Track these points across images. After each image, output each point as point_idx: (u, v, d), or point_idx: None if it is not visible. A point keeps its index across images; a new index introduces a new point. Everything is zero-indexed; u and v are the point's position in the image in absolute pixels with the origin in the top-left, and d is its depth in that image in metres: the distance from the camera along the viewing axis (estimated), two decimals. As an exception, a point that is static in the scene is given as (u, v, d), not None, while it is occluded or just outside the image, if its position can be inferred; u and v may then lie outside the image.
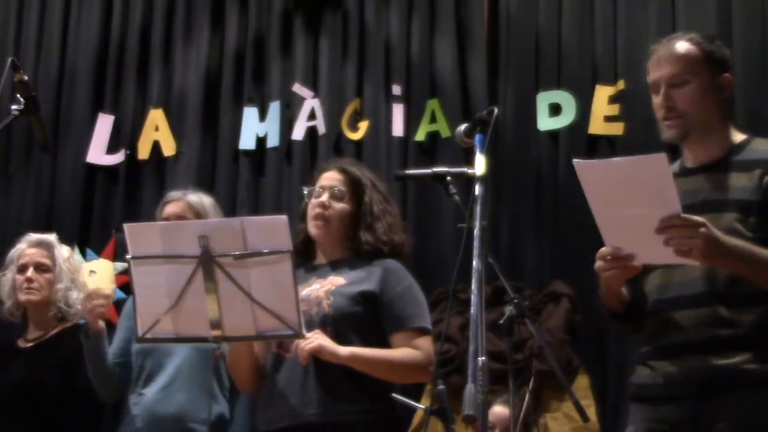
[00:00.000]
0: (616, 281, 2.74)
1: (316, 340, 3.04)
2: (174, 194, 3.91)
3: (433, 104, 5.42)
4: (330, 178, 3.35)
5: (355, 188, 3.32)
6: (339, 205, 3.29)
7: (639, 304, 2.86)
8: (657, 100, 2.83)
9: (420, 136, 5.42)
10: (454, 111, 5.34)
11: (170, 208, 3.84)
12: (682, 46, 2.83)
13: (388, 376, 3.16)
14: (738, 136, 2.86)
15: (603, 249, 2.67)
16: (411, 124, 5.44)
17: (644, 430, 2.79)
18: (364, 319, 3.17)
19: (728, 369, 2.67)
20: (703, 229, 2.52)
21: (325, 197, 3.30)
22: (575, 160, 2.57)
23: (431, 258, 5.12)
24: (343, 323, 3.14)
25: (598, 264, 2.69)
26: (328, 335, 3.11)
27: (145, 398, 3.69)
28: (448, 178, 3.01)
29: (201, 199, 3.88)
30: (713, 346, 2.69)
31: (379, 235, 3.27)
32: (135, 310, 3.00)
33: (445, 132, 5.33)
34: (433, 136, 5.41)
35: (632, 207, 2.52)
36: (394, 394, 3.26)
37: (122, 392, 3.82)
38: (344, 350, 3.08)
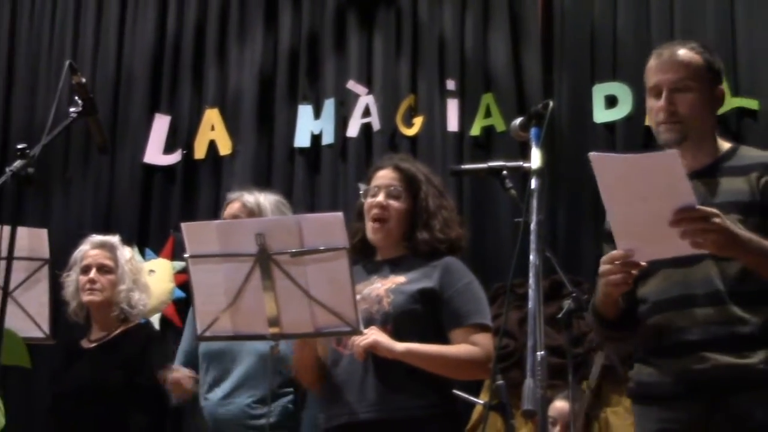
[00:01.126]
0: (619, 287, 2.71)
1: (372, 336, 3.04)
2: (231, 195, 3.94)
3: (487, 98, 5.40)
4: (385, 176, 3.34)
5: (410, 185, 3.30)
6: (396, 205, 3.28)
7: (631, 312, 2.83)
8: (656, 103, 2.86)
9: (475, 130, 5.40)
10: (508, 105, 5.32)
11: (227, 210, 3.88)
12: (686, 54, 2.86)
13: (446, 372, 3.14)
14: (725, 145, 2.90)
15: (614, 252, 2.64)
16: (466, 118, 5.42)
17: (655, 430, 2.76)
18: (423, 316, 3.16)
19: (743, 368, 2.65)
20: (717, 219, 2.53)
21: (381, 197, 3.29)
22: (591, 153, 2.55)
23: (488, 253, 5.10)
24: (403, 321, 3.13)
25: (605, 268, 2.67)
26: (388, 333, 3.10)
27: (210, 403, 3.72)
28: (504, 172, 3.00)
29: (257, 198, 3.89)
30: (726, 344, 2.67)
31: (435, 233, 3.25)
32: (194, 308, 3.02)
33: (500, 126, 5.31)
34: (488, 130, 5.39)
35: (646, 200, 2.52)
36: (454, 390, 3.25)
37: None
38: (400, 346, 3.08)
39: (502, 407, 3.31)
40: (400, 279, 3.21)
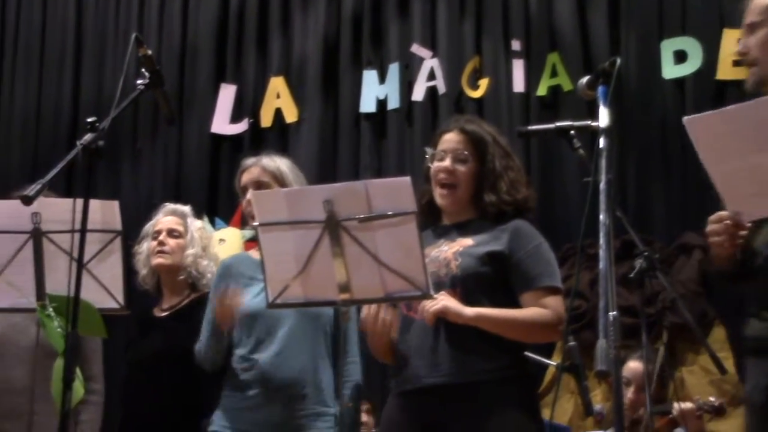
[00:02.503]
0: (725, 249, 2.65)
1: (441, 301, 3.04)
2: (248, 161, 3.91)
3: (553, 58, 5.35)
4: (451, 140, 3.31)
5: (477, 148, 3.28)
6: (463, 169, 3.26)
7: (750, 260, 2.77)
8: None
9: (541, 90, 5.35)
10: (575, 64, 5.26)
11: (246, 176, 3.85)
12: None
13: (516, 335, 3.13)
14: None
15: (722, 212, 2.59)
16: (532, 79, 5.38)
17: (766, 384, 2.72)
18: (492, 279, 3.14)
19: None
20: None
21: (448, 162, 3.27)
22: (685, 119, 2.50)
23: (557, 214, 5.07)
24: (471, 284, 3.12)
25: (712, 227, 2.62)
26: (456, 296, 3.10)
27: (259, 365, 3.70)
28: (572, 132, 2.96)
29: (276, 162, 3.86)
30: None
31: (501, 195, 3.23)
32: (264, 276, 3.04)
33: (566, 85, 5.25)
34: (555, 90, 5.34)
35: (752, 154, 2.44)
36: (526, 352, 3.24)
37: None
38: (470, 311, 3.07)
39: (575, 368, 3.30)
40: (468, 242, 3.20)
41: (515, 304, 3.14)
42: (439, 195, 3.27)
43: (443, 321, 3.08)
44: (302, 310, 3.56)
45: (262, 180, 3.78)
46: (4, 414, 3.75)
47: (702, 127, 2.49)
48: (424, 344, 3.13)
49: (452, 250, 3.18)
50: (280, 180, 3.77)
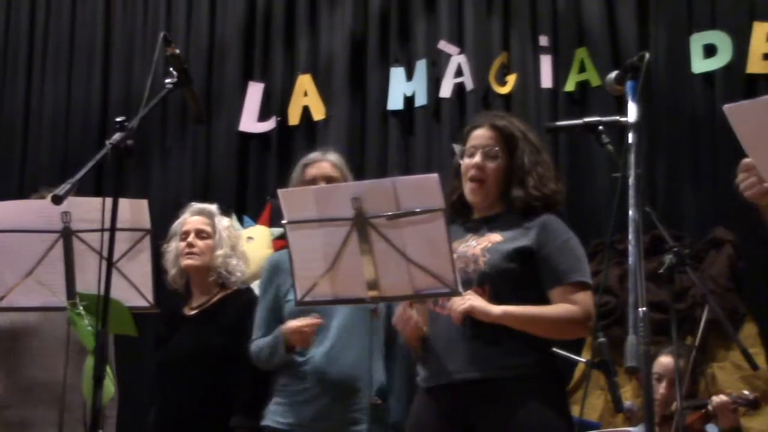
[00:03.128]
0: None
1: (468, 301, 3.04)
2: (314, 155, 3.94)
3: (581, 53, 5.32)
4: (482, 136, 3.31)
5: (507, 143, 3.28)
6: (493, 165, 3.26)
7: None
8: None
9: (569, 86, 5.33)
10: (603, 59, 5.23)
11: (314, 170, 3.87)
12: None
13: (544, 332, 3.12)
14: None
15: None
16: (559, 74, 5.35)
17: None
18: (521, 275, 3.14)
19: None
20: None
21: (478, 158, 3.27)
22: (725, 106, 2.47)
23: (586, 209, 5.05)
24: (500, 280, 3.12)
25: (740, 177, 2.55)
26: (485, 293, 3.10)
27: (314, 359, 3.73)
28: (600, 127, 2.95)
29: (339, 157, 3.92)
30: None
31: (529, 190, 3.22)
32: (293, 274, 3.04)
33: (595, 81, 5.23)
34: (583, 85, 5.31)
35: None
36: (554, 348, 3.23)
37: None
38: (497, 309, 3.07)
39: (605, 365, 3.28)
40: (496, 238, 3.19)
41: (544, 300, 3.14)
42: (469, 190, 3.27)
43: (470, 317, 3.07)
44: (354, 306, 3.58)
45: (332, 175, 3.82)
46: (40, 403, 3.78)
47: (740, 115, 2.45)
48: (451, 340, 3.13)
49: (480, 246, 3.18)
50: (344, 176, 3.83)
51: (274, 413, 3.75)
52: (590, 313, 3.13)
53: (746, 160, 2.47)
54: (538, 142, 3.33)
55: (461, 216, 3.35)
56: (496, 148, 3.27)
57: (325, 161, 3.88)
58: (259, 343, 3.82)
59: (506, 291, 3.12)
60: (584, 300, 3.13)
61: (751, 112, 2.46)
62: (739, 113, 2.44)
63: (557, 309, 3.11)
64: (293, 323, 3.65)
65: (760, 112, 2.45)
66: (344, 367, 3.68)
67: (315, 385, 3.70)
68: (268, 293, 3.87)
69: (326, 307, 3.65)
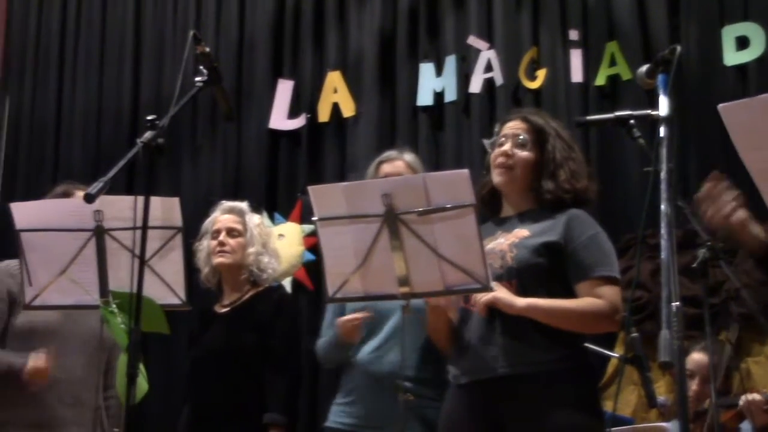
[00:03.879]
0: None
1: (492, 292, 3.04)
2: (390, 153, 3.96)
3: (612, 47, 5.30)
4: (513, 126, 3.32)
5: (538, 136, 3.28)
6: (522, 153, 3.26)
7: None
8: None
9: (600, 80, 5.31)
10: (634, 52, 5.20)
11: (389, 168, 3.88)
12: None
13: (569, 326, 3.10)
14: None
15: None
16: (590, 69, 5.33)
17: None
18: (548, 270, 3.12)
19: None
20: None
21: (508, 146, 3.27)
22: (720, 106, 2.45)
23: (617, 204, 5.02)
24: (527, 275, 3.11)
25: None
26: (513, 288, 3.09)
27: (360, 359, 3.75)
28: (632, 121, 2.93)
29: (414, 157, 3.94)
30: None
31: (560, 183, 3.21)
32: (324, 270, 3.05)
33: (625, 74, 5.20)
34: (614, 79, 5.29)
35: None
36: (586, 344, 3.22)
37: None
38: (521, 301, 3.06)
39: (638, 360, 3.27)
40: (524, 233, 3.19)
41: (572, 295, 3.12)
42: (497, 174, 3.26)
43: (499, 312, 3.07)
44: (411, 303, 3.57)
45: (406, 174, 3.82)
46: (65, 402, 3.80)
47: (735, 115, 2.44)
48: (481, 337, 3.13)
49: (508, 242, 3.17)
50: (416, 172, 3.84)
51: (333, 413, 3.81)
52: (617, 307, 3.11)
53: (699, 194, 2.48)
54: (570, 139, 3.32)
55: (491, 212, 3.34)
56: (527, 138, 3.27)
57: (400, 160, 3.91)
58: (320, 342, 3.86)
59: (534, 286, 3.11)
60: (611, 294, 3.11)
61: (745, 111, 2.44)
62: (733, 113, 2.41)
63: (583, 302, 3.10)
64: (344, 317, 3.67)
65: (754, 111, 2.43)
66: (388, 366, 3.69)
67: (364, 384, 3.72)
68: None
69: (383, 308, 3.67)
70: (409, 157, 3.93)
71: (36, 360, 3.73)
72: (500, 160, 3.26)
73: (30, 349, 3.80)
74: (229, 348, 4.04)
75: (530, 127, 3.29)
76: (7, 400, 3.80)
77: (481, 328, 3.13)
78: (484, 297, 3.05)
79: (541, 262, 3.12)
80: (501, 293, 3.06)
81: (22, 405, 3.79)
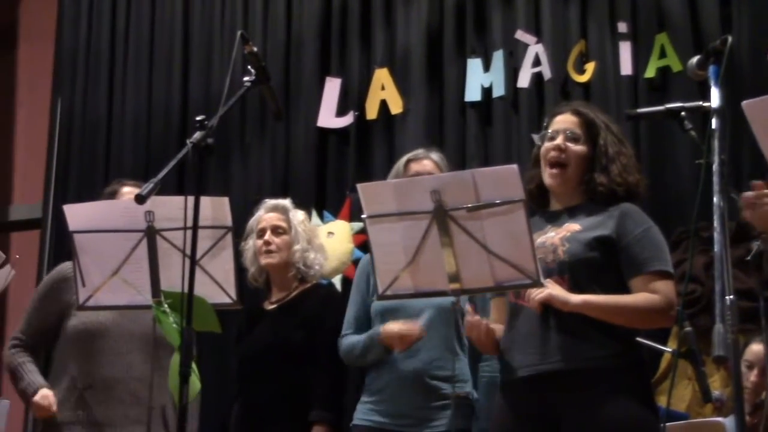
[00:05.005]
0: None
1: (546, 289, 3.02)
2: (419, 152, 3.97)
3: (661, 38, 5.24)
4: (564, 120, 3.29)
5: (589, 130, 3.26)
6: (575, 148, 3.24)
7: None
8: None
9: (650, 72, 5.25)
10: (684, 44, 5.15)
11: (417, 166, 3.90)
12: None
13: (624, 321, 3.08)
14: None
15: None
16: (639, 61, 5.28)
17: None
18: (600, 265, 3.10)
19: None
20: None
21: (560, 140, 3.25)
22: (744, 102, 2.42)
23: (669, 197, 4.97)
24: (579, 270, 3.09)
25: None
26: (565, 283, 3.07)
27: (395, 357, 3.75)
28: (683, 113, 2.91)
29: (441, 156, 3.95)
30: None
31: (613, 177, 3.19)
32: (374, 268, 3.05)
33: (676, 66, 5.14)
34: (664, 71, 5.23)
35: None
36: (639, 338, 3.19)
37: None
38: (576, 298, 3.04)
39: (692, 354, 3.24)
40: (575, 227, 3.17)
41: (625, 290, 3.10)
42: (549, 175, 3.24)
43: (552, 308, 3.05)
44: (438, 302, 3.58)
45: (434, 173, 3.83)
46: (125, 400, 3.83)
47: (758, 111, 2.40)
48: (533, 332, 3.11)
49: (559, 236, 3.16)
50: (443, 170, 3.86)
51: (360, 411, 3.80)
52: (671, 302, 3.09)
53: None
54: (620, 133, 3.30)
55: (539, 205, 3.33)
56: (578, 132, 3.24)
57: (428, 159, 3.93)
58: (351, 339, 3.85)
59: (586, 280, 3.09)
60: (665, 289, 3.09)
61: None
62: (756, 109, 2.38)
63: (637, 298, 3.07)
64: (395, 328, 3.66)
65: None
66: (422, 364, 3.69)
67: (394, 382, 3.72)
68: (358, 291, 3.91)
69: (412, 306, 3.68)
70: (436, 156, 3.95)
71: (42, 398, 3.82)
72: (553, 154, 3.23)
73: (85, 351, 3.84)
74: (276, 345, 4.06)
75: (582, 120, 3.27)
76: (68, 400, 3.84)
77: (533, 323, 3.11)
78: (538, 294, 3.03)
79: (593, 257, 3.10)
80: (555, 290, 3.04)
81: (83, 405, 3.83)
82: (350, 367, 4.14)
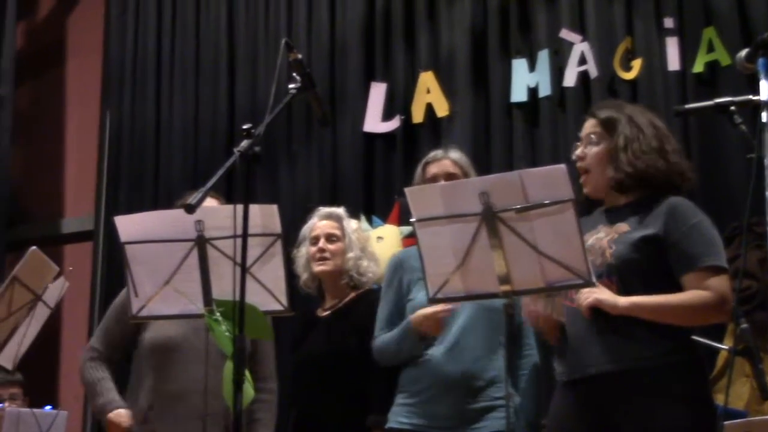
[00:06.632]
0: None
1: (593, 294, 3.01)
2: (435, 153, 3.95)
3: (709, 32, 5.19)
4: (586, 127, 3.34)
5: (607, 127, 3.25)
6: (592, 150, 3.25)
7: None
8: None
9: (698, 67, 5.20)
10: (732, 37, 5.09)
11: (436, 168, 3.87)
12: None
13: (675, 320, 3.04)
14: None
15: None
16: (687, 56, 5.23)
17: None
18: (648, 265, 3.07)
19: None
20: None
21: (580, 149, 3.30)
22: None
23: (720, 192, 4.92)
24: (626, 272, 3.06)
25: None
26: (613, 285, 3.05)
27: (431, 359, 3.73)
28: (732, 108, 2.87)
29: (461, 154, 3.92)
30: None
31: (622, 167, 3.17)
32: (424, 272, 3.04)
33: (724, 60, 5.09)
34: (712, 66, 5.18)
35: None
36: (694, 336, 3.16)
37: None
38: (624, 301, 3.02)
39: (749, 351, 3.20)
40: (624, 227, 3.15)
41: (677, 288, 3.06)
42: (583, 183, 3.26)
43: (601, 310, 3.04)
44: (477, 303, 3.57)
45: (453, 172, 3.83)
46: (186, 414, 3.85)
47: None
48: (584, 333, 3.10)
49: (608, 238, 3.14)
50: (466, 173, 3.84)
51: (397, 414, 3.77)
52: (724, 297, 3.04)
53: None
54: (646, 121, 3.25)
55: (597, 205, 3.32)
56: (593, 135, 3.25)
57: (446, 159, 3.89)
58: (384, 338, 3.83)
59: (635, 282, 3.06)
60: (718, 284, 3.04)
61: None
62: None
63: (687, 296, 3.03)
64: (425, 310, 3.64)
65: None
66: (462, 366, 3.67)
67: (435, 384, 3.70)
68: (390, 290, 3.90)
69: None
70: (454, 154, 3.91)
71: (118, 415, 3.86)
72: (578, 164, 3.28)
73: (157, 364, 3.87)
74: (331, 351, 4.07)
75: (598, 120, 3.29)
76: (138, 415, 3.88)
77: (584, 324, 3.10)
78: (586, 300, 3.02)
79: (640, 258, 3.07)
80: (603, 294, 3.02)
81: (152, 420, 3.86)
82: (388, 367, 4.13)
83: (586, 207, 3.29)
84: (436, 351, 3.72)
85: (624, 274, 3.06)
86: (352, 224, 4.30)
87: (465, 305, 3.66)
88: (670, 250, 3.08)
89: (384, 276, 3.99)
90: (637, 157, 3.17)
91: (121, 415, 3.86)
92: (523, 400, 3.72)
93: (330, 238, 4.23)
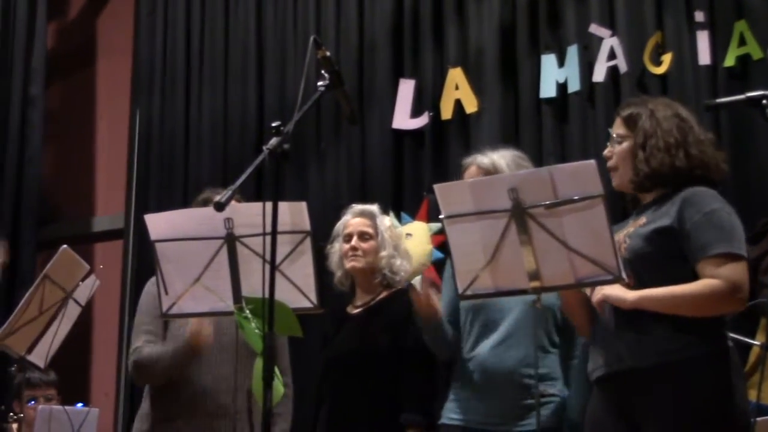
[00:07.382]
0: None
1: (601, 290, 3.00)
2: (466, 160, 3.97)
3: (740, 26, 5.14)
4: (614, 128, 3.33)
5: (630, 125, 3.24)
6: (618, 148, 3.25)
7: None
8: None
9: (729, 61, 5.16)
10: (764, 30, 5.04)
11: (466, 176, 3.90)
12: None
13: (687, 311, 3.00)
14: None
15: None
16: (718, 50, 5.18)
17: None
18: (660, 257, 3.05)
19: None
20: None
21: (608, 149, 3.30)
22: None
23: (752, 187, 4.88)
24: (639, 265, 3.05)
25: None
26: (630, 279, 3.02)
27: (480, 355, 3.73)
28: (764, 101, 2.85)
29: (491, 158, 3.89)
30: None
31: (639, 168, 3.17)
32: (453, 268, 3.04)
33: (756, 53, 5.04)
34: (744, 59, 5.13)
35: None
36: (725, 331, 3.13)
37: (455, 350, 3.87)
38: (631, 295, 3.00)
39: (781, 347, 3.17)
40: (641, 220, 3.15)
41: (695, 278, 3.03)
42: (612, 179, 3.27)
43: (617, 307, 3.03)
44: (527, 299, 3.56)
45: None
46: (214, 413, 3.87)
47: None
48: (609, 330, 3.10)
49: (624, 232, 3.13)
50: (494, 174, 3.82)
51: (448, 410, 3.80)
52: (737, 284, 2.98)
53: None
54: (669, 114, 3.22)
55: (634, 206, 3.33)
56: (623, 132, 3.24)
57: (472, 166, 3.91)
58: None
59: (649, 274, 3.04)
60: (729, 272, 2.99)
61: None
62: None
63: (695, 286, 3.00)
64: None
65: None
66: (510, 362, 3.67)
67: (482, 381, 3.70)
68: (450, 287, 3.92)
69: (499, 304, 3.66)
70: (485, 160, 3.89)
71: (194, 324, 3.77)
72: (607, 164, 3.26)
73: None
74: (362, 349, 4.07)
75: (622, 120, 3.28)
76: (164, 414, 3.89)
77: (609, 321, 3.09)
78: (595, 296, 3.03)
79: (651, 250, 3.05)
80: (609, 290, 3.02)
81: (177, 418, 3.87)
82: (440, 367, 4.14)
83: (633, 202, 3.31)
84: (485, 347, 3.72)
85: (637, 268, 3.05)
86: (385, 222, 4.30)
87: (515, 302, 3.65)
88: (684, 240, 3.05)
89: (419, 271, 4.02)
90: (653, 155, 3.16)
91: (194, 323, 3.77)
92: (570, 397, 3.71)
93: (363, 235, 4.23)
